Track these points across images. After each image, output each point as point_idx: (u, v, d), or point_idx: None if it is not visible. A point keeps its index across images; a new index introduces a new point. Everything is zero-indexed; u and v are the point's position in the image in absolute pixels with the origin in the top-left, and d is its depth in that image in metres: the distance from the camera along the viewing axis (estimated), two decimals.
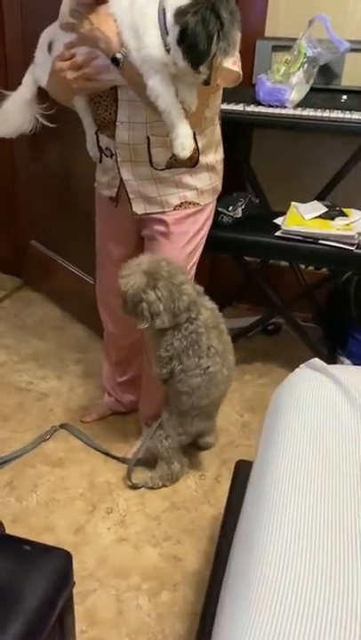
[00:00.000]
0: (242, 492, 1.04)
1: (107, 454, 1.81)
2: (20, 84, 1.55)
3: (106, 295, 1.77)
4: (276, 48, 2.19)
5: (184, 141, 1.29)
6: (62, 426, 1.91)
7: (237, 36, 1.22)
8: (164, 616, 1.36)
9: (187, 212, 1.54)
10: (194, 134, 1.38)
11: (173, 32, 1.17)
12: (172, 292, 1.47)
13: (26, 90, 1.51)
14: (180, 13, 1.15)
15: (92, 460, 1.80)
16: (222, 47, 1.16)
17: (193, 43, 1.14)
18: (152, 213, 1.53)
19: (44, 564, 0.91)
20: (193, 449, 1.82)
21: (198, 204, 1.54)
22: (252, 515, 0.83)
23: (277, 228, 1.97)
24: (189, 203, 1.53)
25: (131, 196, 1.53)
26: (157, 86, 1.24)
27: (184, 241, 1.56)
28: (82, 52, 1.32)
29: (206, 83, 1.23)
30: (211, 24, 1.13)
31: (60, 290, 2.63)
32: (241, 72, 1.40)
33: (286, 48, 2.10)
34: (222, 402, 1.74)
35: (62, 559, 0.93)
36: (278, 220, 2.02)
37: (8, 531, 1.19)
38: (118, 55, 1.25)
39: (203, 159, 1.50)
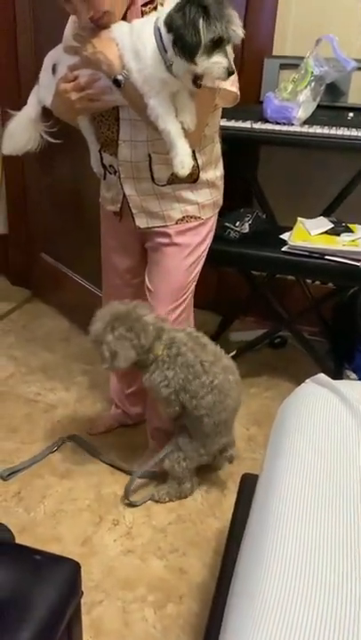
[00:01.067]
0: (247, 505, 1.05)
1: (112, 466, 1.83)
2: None
3: (108, 300, 1.80)
4: (283, 66, 2.23)
5: (183, 160, 1.32)
6: (70, 437, 1.93)
7: (235, 38, 1.22)
8: (169, 628, 1.37)
9: (188, 225, 1.58)
10: (194, 152, 1.43)
11: (168, 42, 1.20)
12: (132, 327, 1.51)
13: (31, 109, 1.56)
14: (167, 18, 1.19)
15: (100, 471, 1.82)
16: (219, 29, 1.15)
17: (180, 35, 1.16)
18: (155, 227, 1.58)
19: (54, 573, 0.92)
20: (210, 470, 1.83)
21: (200, 217, 1.59)
22: (257, 529, 0.85)
23: (284, 243, 2.00)
24: (191, 216, 1.58)
25: (134, 211, 1.57)
26: (157, 107, 1.28)
27: (186, 252, 1.60)
28: (85, 73, 1.37)
29: (229, 73, 1.21)
30: (192, 13, 1.14)
31: (68, 302, 2.67)
32: (238, 92, 1.42)
33: (294, 66, 2.14)
34: (239, 408, 1.73)
35: (71, 569, 0.94)
36: (285, 236, 2.04)
37: (16, 541, 1.21)
38: (120, 77, 1.29)
39: (203, 175, 1.54)
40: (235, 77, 1.37)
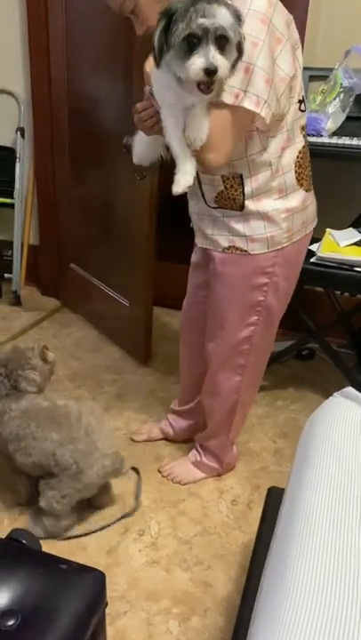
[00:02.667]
0: (274, 519, 1.04)
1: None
2: None
3: (183, 319, 1.82)
4: (312, 78, 2.23)
5: (180, 178, 1.24)
6: None
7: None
8: None
9: (233, 257, 1.49)
10: (241, 177, 1.38)
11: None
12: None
13: None
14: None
15: (125, 481, 1.82)
16: (181, 28, 1.07)
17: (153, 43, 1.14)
18: (208, 249, 1.55)
19: (79, 582, 0.93)
20: (235, 484, 1.82)
21: (246, 251, 1.46)
22: (283, 543, 0.84)
23: (313, 254, 1.99)
24: (236, 248, 1.47)
25: (194, 227, 1.59)
26: (165, 119, 1.25)
27: (228, 285, 1.52)
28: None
29: (208, 72, 1.09)
30: (160, 20, 1.11)
31: (96, 312, 2.70)
32: (264, 114, 1.24)
33: (323, 78, 2.14)
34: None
35: (97, 579, 0.95)
36: (313, 247, 2.03)
37: (44, 549, 1.22)
38: (147, 88, 1.30)
39: (252, 205, 1.41)
40: (259, 98, 1.22)
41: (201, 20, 1.06)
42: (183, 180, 1.25)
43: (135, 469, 1.85)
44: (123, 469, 1.63)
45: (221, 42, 1.10)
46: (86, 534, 1.62)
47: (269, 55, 1.22)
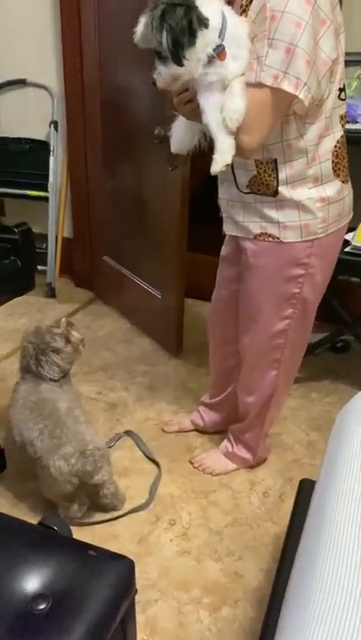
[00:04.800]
0: (305, 511, 1.03)
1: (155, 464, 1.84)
2: None
3: (212, 313, 1.81)
4: (348, 63, 2.16)
5: (218, 157, 1.24)
6: (127, 432, 1.97)
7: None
8: (224, 632, 1.36)
9: (266, 245, 1.45)
10: (275, 162, 1.36)
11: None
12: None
13: None
14: None
15: (157, 470, 1.83)
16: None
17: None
18: (238, 237, 1.52)
19: (108, 569, 0.94)
20: (266, 475, 1.81)
21: (278, 238, 1.43)
22: (313, 534, 0.83)
23: (347, 243, 1.95)
24: (268, 235, 1.44)
25: (223, 215, 1.56)
26: (202, 103, 1.24)
27: (264, 277, 1.49)
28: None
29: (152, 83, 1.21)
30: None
31: (129, 304, 2.71)
32: (303, 97, 1.21)
33: (358, 63, 2.08)
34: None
35: (125, 566, 0.96)
36: (348, 236, 1.99)
37: (75, 537, 1.24)
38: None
39: (286, 192, 1.38)
40: (299, 80, 1.18)
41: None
42: (221, 159, 1.24)
43: (156, 463, 1.85)
44: (97, 473, 1.55)
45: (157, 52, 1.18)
46: (92, 523, 1.63)
47: (312, 37, 1.18)
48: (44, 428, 1.54)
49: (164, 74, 1.20)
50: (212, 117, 1.23)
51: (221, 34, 1.16)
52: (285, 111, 1.28)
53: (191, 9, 1.11)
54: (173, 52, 1.14)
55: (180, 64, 1.15)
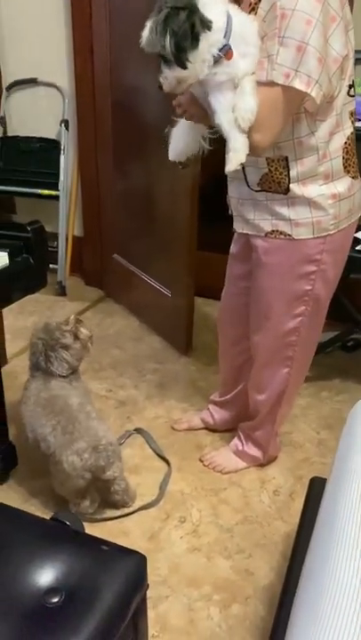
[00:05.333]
0: (316, 509, 1.03)
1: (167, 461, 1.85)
2: None
3: (222, 311, 1.81)
4: (358, 61, 2.16)
5: (232, 156, 1.24)
6: (137, 430, 1.98)
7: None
8: (234, 629, 1.37)
9: (277, 242, 1.45)
10: (287, 160, 1.36)
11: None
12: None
13: None
14: None
15: (167, 468, 1.84)
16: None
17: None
18: (249, 235, 1.52)
19: (120, 564, 0.95)
20: (278, 473, 1.81)
21: (290, 235, 1.43)
22: (324, 534, 0.83)
23: (358, 242, 1.94)
24: (280, 232, 1.44)
25: (233, 213, 1.56)
26: (214, 103, 1.24)
27: (275, 274, 1.49)
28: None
29: (159, 86, 1.23)
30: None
31: (139, 302, 2.72)
32: (314, 94, 1.21)
33: None
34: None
35: (137, 561, 0.96)
36: (359, 234, 1.98)
37: (86, 532, 1.25)
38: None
39: (297, 189, 1.38)
40: (310, 78, 1.19)
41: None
42: (235, 158, 1.24)
43: (166, 460, 1.86)
44: (110, 469, 1.56)
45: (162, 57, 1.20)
46: (103, 520, 1.64)
47: (323, 34, 1.19)
48: (56, 424, 1.55)
49: (169, 77, 1.21)
50: (224, 117, 1.24)
51: (227, 34, 1.17)
52: (297, 109, 1.28)
53: (193, 12, 1.12)
54: (177, 56, 1.15)
55: (183, 67, 1.17)
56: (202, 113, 1.37)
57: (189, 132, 1.46)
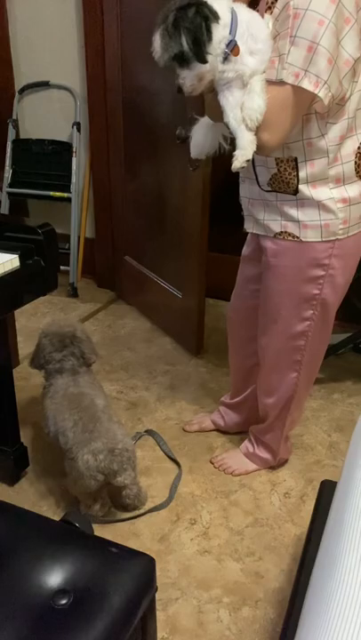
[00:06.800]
0: (326, 512, 1.02)
1: (176, 463, 1.85)
2: None
3: (231, 313, 1.81)
4: None
5: (238, 153, 1.24)
6: (147, 431, 1.98)
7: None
8: (244, 632, 1.36)
9: (286, 244, 1.45)
10: (296, 161, 1.36)
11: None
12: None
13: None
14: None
15: (178, 470, 1.84)
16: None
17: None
18: (259, 236, 1.52)
19: (129, 566, 0.95)
20: (288, 476, 1.81)
21: (298, 237, 1.42)
22: (333, 538, 0.82)
23: None
24: (289, 234, 1.44)
25: (244, 213, 1.56)
26: (222, 97, 1.24)
27: (283, 277, 1.49)
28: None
29: (178, 89, 1.23)
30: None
31: (150, 303, 2.73)
32: (322, 95, 1.21)
33: None
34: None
35: (146, 563, 0.96)
36: None
37: (96, 534, 1.25)
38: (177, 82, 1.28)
39: (307, 191, 1.37)
40: (319, 79, 1.18)
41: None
42: (241, 155, 1.24)
43: (177, 462, 1.86)
44: (122, 474, 1.56)
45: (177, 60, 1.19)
46: (114, 521, 1.64)
47: (335, 35, 1.18)
48: (78, 419, 1.56)
49: (189, 77, 1.21)
50: (231, 115, 1.24)
51: (232, 30, 1.17)
52: (306, 109, 1.27)
53: (201, 5, 1.13)
54: (196, 51, 1.15)
55: (204, 61, 1.16)
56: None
57: (210, 130, 1.46)
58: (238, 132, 1.24)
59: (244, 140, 1.23)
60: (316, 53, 1.17)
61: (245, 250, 1.69)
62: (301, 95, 1.22)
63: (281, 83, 1.21)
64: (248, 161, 1.25)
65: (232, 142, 1.48)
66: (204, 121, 1.48)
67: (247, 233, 1.62)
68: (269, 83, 1.22)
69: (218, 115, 1.34)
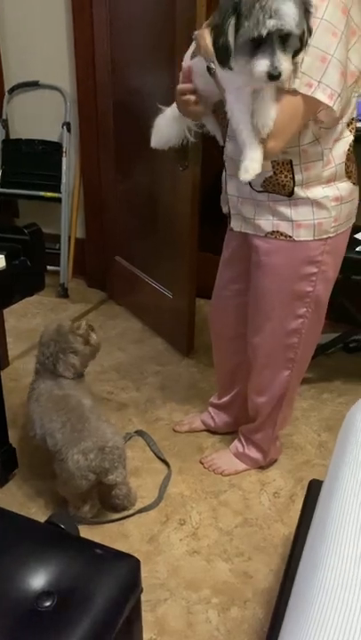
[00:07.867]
0: (313, 511, 1.02)
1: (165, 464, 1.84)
2: None
3: (214, 313, 1.80)
4: None
5: (248, 165, 1.24)
6: (137, 432, 1.97)
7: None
8: (233, 632, 1.36)
9: (278, 243, 1.44)
10: (291, 164, 1.35)
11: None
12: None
13: (175, 107, 1.54)
14: (211, 19, 1.17)
15: (167, 470, 1.83)
16: (248, 28, 1.06)
17: (213, 38, 1.13)
18: (248, 234, 1.51)
19: (114, 567, 0.94)
20: (277, 476, 1.80)
21: (290, 237, 1.42)
22: (317, 538, 0.82)
23: (358, 243, 1.93)
24: (281, 233, 1.43)
25: (232, 211, 1.54)
26: (232, 103, 1.23)
27: (276, 276, 1.48)
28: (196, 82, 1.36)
29: (271, 77, 1.10)
30: (222, 13, 1.10)
31: (141, 304, 2.72)
32: (334, 106, 1.22)
33: None
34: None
35: (131, 565, 0.96)
36: (359, 235, 1.97)
37: (85, 536, 1.24)
38: (210, 65, 1.25)
39: (302, 192, 1.38)
40: (333, 91, 1.19)
41: (269, 23, 1.04)
42: (252, 168, 1.24)
43: (166, 463, 1.86)
44: (113, 472, 1.55)
45: (286, 39, 1.09)
46: (103, 522, 1.63)
47: (346, 47, 1.19)
48: (66, 421, 1.56)
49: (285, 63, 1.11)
50: (243, 123, 1.23)
51: None
52: (310, 118, 1.28)
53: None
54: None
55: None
56: (200, 111, 1.39)
57: (176, 121, 1.45)
58: (248, 144, 1.23)
59: (255, 152, 1.23)
60: (330, 65, 1.18)
61: (225, 253, 1.68)
62: (312, 105, 1.22)
63: (294, 92, 1.20)
64: (257, 175, 1.25)
65: (196, 135, 1.49)
66: (170, 112, 1.47)
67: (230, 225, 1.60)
68: (281, 91, 1.20)
69: (198, 114, 1.34)
